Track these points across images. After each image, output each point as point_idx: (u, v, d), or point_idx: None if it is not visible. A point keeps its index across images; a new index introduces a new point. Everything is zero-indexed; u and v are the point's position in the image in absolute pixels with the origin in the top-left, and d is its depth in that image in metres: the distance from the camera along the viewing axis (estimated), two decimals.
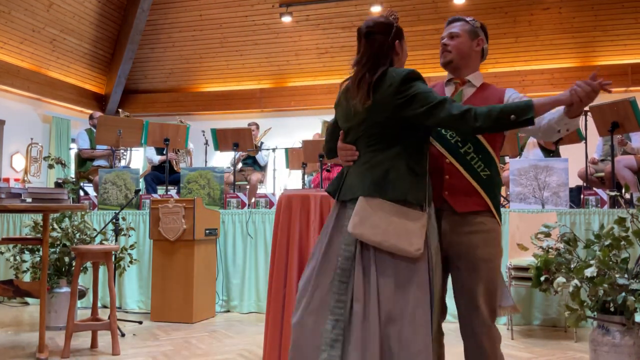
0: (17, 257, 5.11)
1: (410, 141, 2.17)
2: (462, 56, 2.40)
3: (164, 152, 7.04)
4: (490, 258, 2.30)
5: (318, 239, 2.34)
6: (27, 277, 5.48)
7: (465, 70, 2.42)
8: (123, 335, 4.54)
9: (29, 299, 6.14)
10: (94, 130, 7.34)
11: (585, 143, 5.57)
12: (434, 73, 9.98)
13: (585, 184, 5.59)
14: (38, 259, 4.98)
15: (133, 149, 7.29)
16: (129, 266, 5.16)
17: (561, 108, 2.19)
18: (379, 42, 2.22)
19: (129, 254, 5.12)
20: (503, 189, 6.40)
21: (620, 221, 3.27)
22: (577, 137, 5.68)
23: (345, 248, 2.20)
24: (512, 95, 2.35)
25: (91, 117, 7.61)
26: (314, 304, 2.20)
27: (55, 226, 4.92)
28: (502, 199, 5.45)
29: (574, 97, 2.08)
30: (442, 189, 2.31)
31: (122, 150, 7.24)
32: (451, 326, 4.89)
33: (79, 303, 5.24)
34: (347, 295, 2.16)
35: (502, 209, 5.15)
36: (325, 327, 2.16)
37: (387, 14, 2.31)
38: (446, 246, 2.32)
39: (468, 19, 2.47)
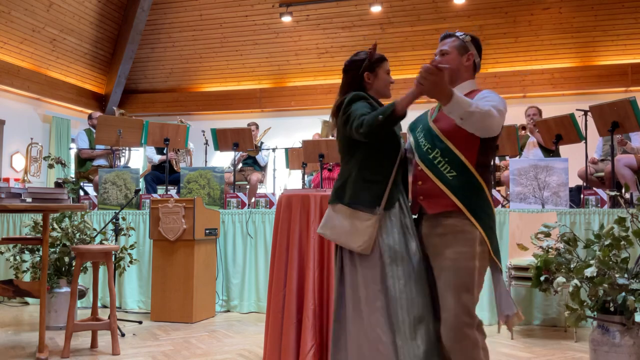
0: (17, 257, 5.12)
1: (364, 153, 2.54)
2: (451, 73, 2.49)
3: (164, 152, 7.04)
4: (459, 258, 2.34)
5: None
6: (27, 277, 5.48)
7: (454, 84, 2.49)
8: (123, 335, 4.54)
9: (29, 299, 6.14)
10: (93, 130, 7.33)
11: (585, 143, 5.57)
12: None
13: (585, 184, 5.59)
14: (38, 258, 4.98)
15: (132, 148, 7.28)
16: (129, 266, 5.16)
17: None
18: (351, 76, 2.70)
19: (129, 254, 5.12)
20: (503, 188, 6.42)
21: (620, 221, 3.27)
22: (577, 137, 5.68)
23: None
24: (480, 95, 2.43)
25: (90, 117, 7.61)
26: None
27: (55, 226, 4.92)
28: (502, 198, 5.45)
29: (417, 86, 2.24)
30: (417, 195, 2.51)
31: (121, 149, 7.23)
32: None
33: (79, 303, 5.25)
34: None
35: (502, 209, 5.18)
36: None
37: (368, 50, 2.73)
38: (425, 248, 2.49)
39: (459, 34, 2.56)
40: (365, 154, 2.53)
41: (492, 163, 2.53)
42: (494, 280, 2.48)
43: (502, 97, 2.42)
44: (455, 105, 2.23)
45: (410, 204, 2.60)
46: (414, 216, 2.59)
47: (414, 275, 2.44)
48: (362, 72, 2.67)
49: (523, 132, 6.49)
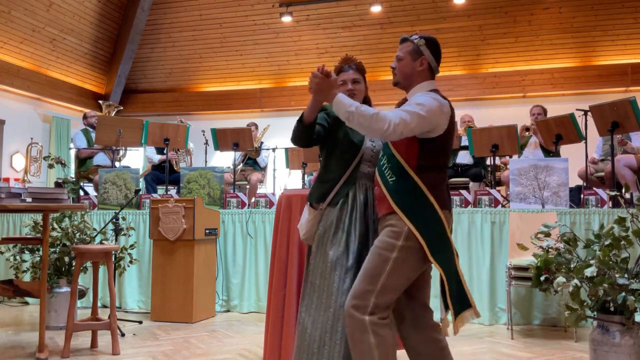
0: (17, 257, 5.12)
1: (324, 156, 2.88)
2: (405, 78, 2.60)
3: (164, 152, 7.04)
4: (379, 246, 2.46)
5: None
6: (27, 277, 5.48)
7: (409, 88, 2.61)
8: (123, 335, 4.54)
9: (29, 299, 6.14)
10: (89, 129, 7.33)
11: (585, 143, 5.57)
12: None
13: (585, 184, 5.59)
14: (38, 258, 4.98)
15: (131, 148, 7.28)
16: (129, 266, 5.16)
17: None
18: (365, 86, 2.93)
19: (129, 254, 5.12)
20: (503, 188, 6.42)
21: (620, 221, 3.27)
22: (577, 136, 5.68)
23: None
24: (413, 100, 2.50)
25: (85, 117, 7.61)
26: None
27: (55, 226, 4.92)
28: (502, 198, 5.45)
29: (309, 91, 2.52)
30: (374, 199, 2.67)
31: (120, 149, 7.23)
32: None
33: (78, 303, 5.25)
34: None
35: (501, 209, 5.18)
36: None
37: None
38: None
39: (413, 37, 2.59)
40: (325, 156, 2.88)
41: (445, 163, 2.59)
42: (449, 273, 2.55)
43: (439, 101, 2.44)
44: (337, 105, 2.45)
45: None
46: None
47: (340, 265, 2.68)
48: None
49: (527, 133, 6.48)
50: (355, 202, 2.79)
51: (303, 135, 2.68)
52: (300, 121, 2.64)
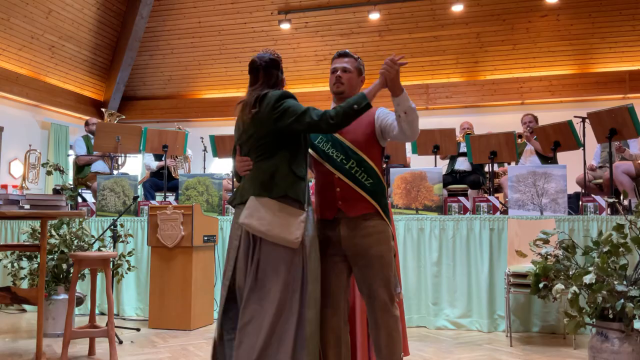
0: (15, 264, 5.10)
1: (290, 149, 2.68)
2: (351, 89, 2.85)
3: (162, 158, 7.03)
4: (382, 254, 2.73)
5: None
6: (24, 284, 5.47)
7: (344, 100, 2.75)
8: (121, 342, 4.53)
9: (26, 306, 6.12)
10: (91, 136, 7.33)
11: (584, 150, 5.58)
12: (431, 80, 10.03)
13: (583, 191, 5.60)
14: (36, 265, 4.97)
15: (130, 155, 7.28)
16: (127, 273, 5.15)
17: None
18: (275, 76, 2.81)
19: (127, 261, 5.11)
20: (501, 195, 6.42)
21: (619, 228, 3.27)
22: (575, 144, 5.69)
23: (233, 242, 2.73)
24: (382, 112, 2.80)
25: (87, 124, 7.61)
26: (222, 292, 2.76)
27: (53, 233, 4.91)
28: (500, 205, 5.45)
29: (381, 76, 2.60)
30: (336, 200, 2.77)
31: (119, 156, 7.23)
32: (449, 333, 4.88)
33: (76, 310, 5.23)
34: (231, 279, 2.70)
35: (500, 216, 5.19)
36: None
37: (272, 52, 2.85)
38: (345, 247, 2.77)
39: (355, 56, 2.92)
40: (294, 151, 2.69)
41: None
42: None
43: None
44: (404, 98, 2.62)
45: (321, 208, 2.85)
46: (327, 219, 2.81)
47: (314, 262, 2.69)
48: (281, 73, 2.86)
49: (519, 140, 6.50)
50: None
51: (355, 119, 2.63)
52: (366, 105, 2.57)
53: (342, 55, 2.91)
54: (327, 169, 2.80)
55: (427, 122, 8.85)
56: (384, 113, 2.81)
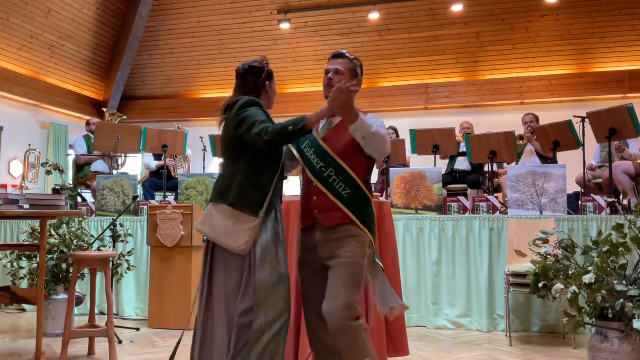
0: (15, 264, 5.10)
1: (252, 157, 2.65)
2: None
3: (162, 158, 7.03)
4: (350, 256, 2.59)
5: None
6: (24, 284, 5.46)
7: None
8: (120, 342, 4.53)
9: (26, 306, 6.12)
10: (92, 136, 7.33)
11: (583, 150, 5.58)
12: (431, 80, 10.03)
13: (583, 191, 5.60)
14: (35, 265, 4.97)
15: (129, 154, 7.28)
16: (126, 273, 5.15)
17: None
18: (252, 83, 2.79)
19: (127, 261, 5.11)
20: (500, 195, 6.42)
21: (618, 227, 3.27)
22: (575, 143, 5.69)
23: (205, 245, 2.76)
24: (370, 120, 2.63)
25: (88, 124, 7.61)
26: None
27: (53, 233, 4.91)
28: (500, 205, 5.46)
29: (329, 104, 2.49)
30: (312, 209, 2.70)
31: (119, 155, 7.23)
32: (449, 333, 4.87)
33: (76, 310, 5.23)
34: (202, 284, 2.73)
35: (500, 215, 5.19)
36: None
37: (260, 60, 2.85)
38: (320, 252, 2.68)
39: (351, 57, 2.78)
40: (252, 158, 2.66)
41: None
42: (378, 276, 2.74)
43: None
44: (361, 125, 2.51)
45: (300, 215, 2.80)
46: (305, 227, 2.77)
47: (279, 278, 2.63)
48: (264, 80, 2.82)
49: (521, 142, 6.50)
50: (280, 211, 2.74)
51: (293, 141, 2.68)
52: (301, 128, 2.49)
53: (337, 56, 2.79)
54: (308, 176, 2.74)
55: (427, 122, 8.87)
56: (371, 121, 2.70)
